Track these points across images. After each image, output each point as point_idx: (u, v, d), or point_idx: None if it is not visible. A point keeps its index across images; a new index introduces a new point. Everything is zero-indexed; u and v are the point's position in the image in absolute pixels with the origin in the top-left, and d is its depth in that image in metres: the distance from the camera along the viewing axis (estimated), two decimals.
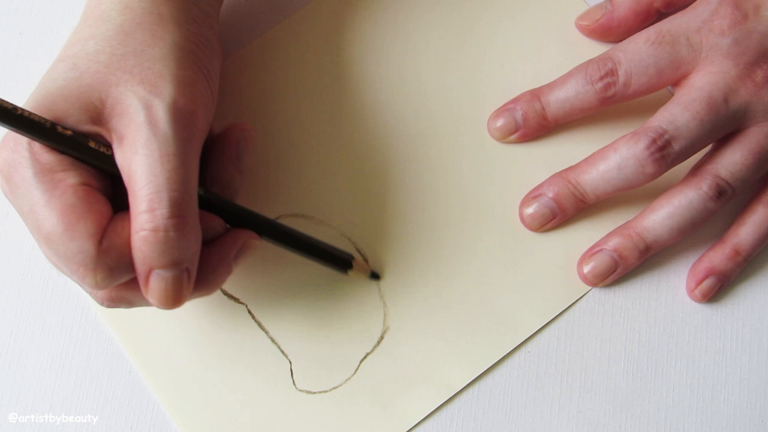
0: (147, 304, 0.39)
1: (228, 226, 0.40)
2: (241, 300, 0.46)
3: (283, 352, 0.45)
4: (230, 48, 0.48)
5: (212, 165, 0.41)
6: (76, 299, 0.46)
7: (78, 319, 0.46)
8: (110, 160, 0.37)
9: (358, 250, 0.46)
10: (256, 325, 0.45)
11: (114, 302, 0.39)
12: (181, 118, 0.37)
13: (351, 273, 0.45)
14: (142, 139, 0.36)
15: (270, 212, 0.46)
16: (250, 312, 0.46)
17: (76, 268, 0.36)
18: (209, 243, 0.39)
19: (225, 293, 0.46)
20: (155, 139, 0.36)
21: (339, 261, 0.44)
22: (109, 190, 0.38)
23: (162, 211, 0.36)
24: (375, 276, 0.46)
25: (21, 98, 0.48)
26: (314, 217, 0.47)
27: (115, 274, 0.37)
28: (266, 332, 0.45)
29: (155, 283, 0.37)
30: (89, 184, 0.37)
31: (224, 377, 0.45)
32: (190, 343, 0.45)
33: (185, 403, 0.44)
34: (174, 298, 0.37)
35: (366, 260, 0.46)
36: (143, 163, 0.36)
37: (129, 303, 0.39)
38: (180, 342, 0.45)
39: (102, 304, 0.39)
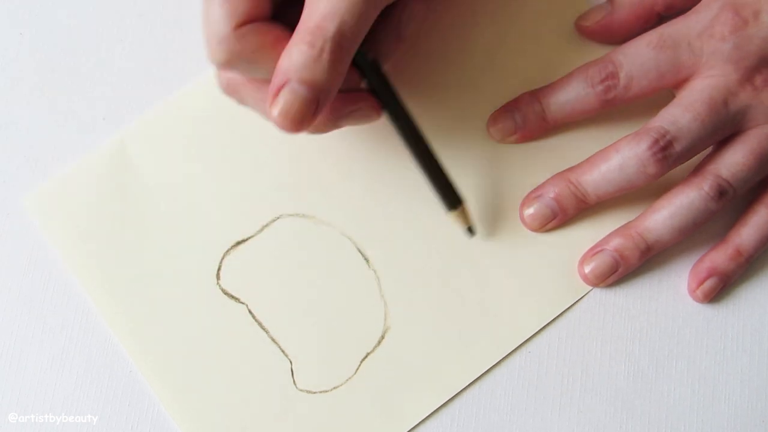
0: (256, 110, 0.39)
1: (364, 86, 0.40)
2: (241, 300, 0.46)
3: (283, 351, 0.45)
4: None
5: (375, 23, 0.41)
6: (76, 299, 0.46)
7: (78, 319, 0.46)
8: None
9: (359, 251, 0.46)
10: (256, 325, 0.45)
11: (230, 90, 0.40)
12: None
13: (454, 213, 0.44)
14: None
15: (270, 212, 0.46)
16: (250, 312, 0.46)
17: (205, 35, 0.37)
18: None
19: (225, 293, 0.46)
20: None
21: (450, 194, 0.44)
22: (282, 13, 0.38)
23: (330, 32, 0.36)
24: (471, 231, 0.45)
25: (21, 98, 0.48)
26: (315, 217, 0.47)
27: (235, 62, 0.37)
28: (266, 332, 0.45)
29: (286, 95, 0.36)
30: None
31: (224, 377, 0.45)
32: (190, 343, 0.45)
33: (185, 403, 0.44)
34: (295, 118, 0.37)
35: (367, 260, 0.46)
36: None
37: (241, 99, 0.40)
38: (180, 342, 0.45)
39: (219, 85, 0.40)
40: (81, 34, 0.49)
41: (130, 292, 0.45)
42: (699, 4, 0.44)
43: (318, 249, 0.46)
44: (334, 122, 0.40)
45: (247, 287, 0.46)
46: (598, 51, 0.47)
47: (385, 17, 0.41)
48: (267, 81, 0.38)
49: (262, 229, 0.46)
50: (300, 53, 0.36)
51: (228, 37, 0.36)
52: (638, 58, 0.44)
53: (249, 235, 0.46)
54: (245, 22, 0.36)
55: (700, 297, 0.46)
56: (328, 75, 0.36)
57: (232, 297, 0.46)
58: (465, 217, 0.45)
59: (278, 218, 0.47)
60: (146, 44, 0.49)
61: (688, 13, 0.44)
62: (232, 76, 0.39)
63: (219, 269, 0.46)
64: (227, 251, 0.46)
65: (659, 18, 0.47)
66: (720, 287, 0.46)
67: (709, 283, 0.46)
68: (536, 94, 0.46)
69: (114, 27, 0.49)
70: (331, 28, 0.36)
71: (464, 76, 0.48)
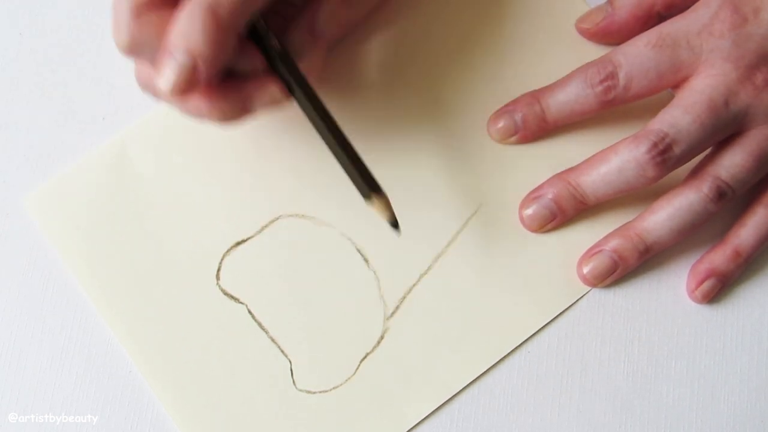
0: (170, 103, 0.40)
1: (268, 70, 0.40)
2: (241, 300, 0.46)
3: (283, 351, 0.45)
4: None
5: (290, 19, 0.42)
6: (76, 299, 0.46)
7: (78, 319, 0.46)
8: None
9: (359, 251, 0.46)
10: (256, 325, 0.45)
11: (143, 84, 0.41)
12: None
13: (373, 203, 0.41)
14: None
15: (270, 212, 0.46)
16: (250, 312, 0.46)
17: (111, 22, 0.38)
18: (245, 77, 0.40)
19: (225, 293, 0.46)
20: None
21: (367, 182, 0.41)
22: None
23: (206, 1, 0.36)
24: (395, 225, 0.42)
25: (21, 98, 0.48)
26: (314, 218, 0.47)
27: (138, 48, 0.38)
28: (266, 332, 0.45)
29: (167, 63, 0.37)
30: None
31: (224, 377, 0.45)
32: (190, 343, 0.45)
33: (185, 403, 0.44)
34: (175, 85, 0.37)
35: (367, 260, 0.46)
36: None
37: (155, 93, 0.41)
38: (180, 342, 0.45)
39: (137, 81, 0.41)
40: (81, 34, 0.49)
41: (130, 292, 0.46)
42: (698, 2, 0.44)
43: (318, 249, 0.46)
44: (241, 106, 0.40)
45: (247, 287, 0.46)
46: (598, 52, 0.47)
47: (301, 11, 0.42)
48: None
49: (262, 230, 0.46)
50: (178, 23, 0.37)
51: (129, 24, 0.37)
52: (637, 58, 0.44)
53: (249, 236, 0.46)
54: (148, 8, 0.37)
55: (699, 297, 0.46)
56: (205, 42, 0.37)
57: (232, 297, 0.46)
58: (383, 209, 0.42)
59: (278, 218, 0.47)
60: None
61: (687, 11, 0.44)
62: (146, 70, 0.40)
63: (219, 269, 0.46)
64: (227, 251, 0.46)
65: (659, 18, 0.47)
66: (719, 288, 0.46)
67: (708, 284, 0.46)
68: (536, 95, 0.46)
69: None
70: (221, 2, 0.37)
71: (464, 77, 0.48)
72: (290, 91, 0.40)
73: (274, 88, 0.40)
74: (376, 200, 0.41)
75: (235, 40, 0.38)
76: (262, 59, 0.40)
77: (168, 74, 0.37)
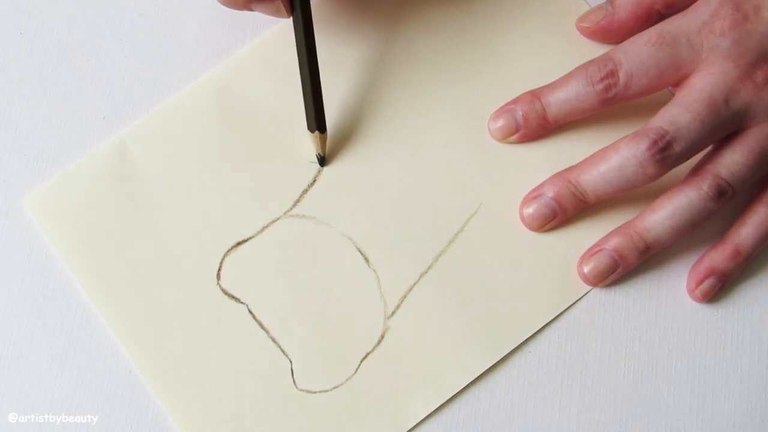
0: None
1: None
2: (242, 300, 0.46)
3: (283, 351, 0.45)
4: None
5: None
6: (76, 299, 0.46)
7: (78, 319, 0.46)
8: None
9: (359, 251, 0.46)
10: (256, 325, 0.45)
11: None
12: None
13: (313, 136, 0.46)
14: None
15: (270, 212, 0.46)
16: (250, 312, 0.45)
17: None
18: None
19: (225, 293, 0.46)
20: None
21: (318, 118, 0.46)
22: None
23: None
24: (321, 160, 0.47)
25: (19, 99, 0.48)
26: (315, 218, 0.47)
27: None
28: (267, 332, 0.45)
29: None
30: None
31: (224, 377, 0.45)
32: (190, 343, 0.45)
33: (185, 402, 0.44)
34: None
35: (367, 260, 0.46)
36: None
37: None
38: (180, 342, 0.45)
39: None
40: (81, 34, 0.49)
41: (130, 292, 0.45)
42: (698, 1, 0.44)
43: (318, 249, 0.46)
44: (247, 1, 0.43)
45: (248, 287, 0.46)
46: (598, 50, 0.47)
47: None
48: None
49: (262, 230, 0.46)
50: None
51: None
52: (638, 56, 0.44)
53: (249, 236, 0.46)
54: None
55: (699, 296, 0.46)
56: None
57: (233, 297, 0.46)
58: (320, 144, 0.46)
59: (278, 218, 0.47)
60: (146, 44, 0.49)
61: (687, 9, 0.44)
62: None
63: (219, 269, 0.46)
64: (228, 251, 0.46)
65: (659, 16, 0.47)
66: (719, 287, 0.46)
67: (708, 283, 0.46)
68: (536, 93, 0.46)
69: (114, 27, 0.49)
70: None
71: (464, 76, 0.48)
72: (294, 13, 0.45)
73: (279, 3, 0.43)
74: (316, 135, 0.46)
75: None
76: None
77: None
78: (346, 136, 0.48)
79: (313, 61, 0.45)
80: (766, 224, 0.45)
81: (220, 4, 0.44)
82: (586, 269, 0.46)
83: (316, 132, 0.46)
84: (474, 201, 0.47)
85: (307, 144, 0.47)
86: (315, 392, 0.45)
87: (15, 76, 0.48)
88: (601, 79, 0.44)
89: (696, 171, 0.44)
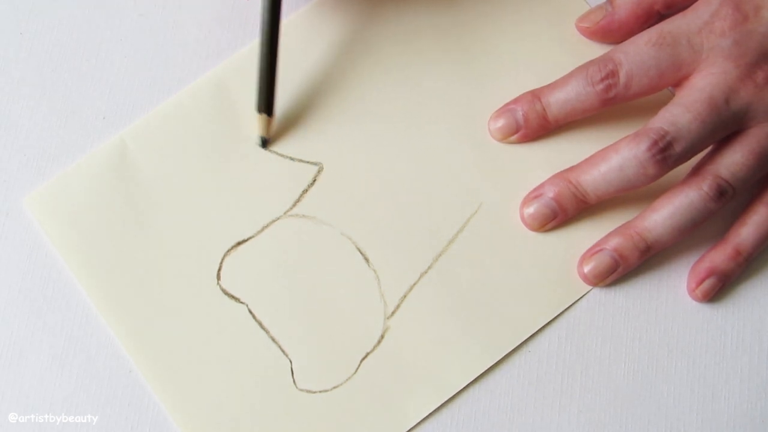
0: None
1: None
2: (242, 300, 0.46)
3: (283, 351, 0.45)
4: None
5: None
6: (76, 299, 0.46)
7: (78, 319, 0.46)
8: None
9: (359, 251, 0.46)
10: (256, 325, 0.45)
11: None
12: None
13: (260, 117, 0.46)
14: None
15: (270, 212, 0.46)
16: (250, 312, 0.45)
17: None
18: None
19: (226, 293, 0.46)
20: None
21: (268, 100, 0.46)
22: None
23: None
24: (264, 142, 0.47)
25: (19, 99, 0.48)
26: (315, 217, 0.47)
27: None
28: (267, 332, 0.45)
29: None
30: None
31: (224, 377, 0.45)
32: (190, 343, 0.45)
33: (185, 403, 0.44)
34: None
35: (367, 260, 0.46)
36: None
37: None
38: (180, 342, 0.45)
39: None
40: (81, 34, 0.49)
41: (130, 292, 0.45)
42: (699, 1, 0.44)
43: (318, 249, 0.46)
44: None
45: (248, 287, 0.46)
46: (598, 50, 0.47)
47: None
48: None
49: (262, 230, 0.46)
50: None
51: None
52: (638, 56, 0.44)
53: (249, 236, 0.46)
54: None
55: (699, 296, 0.46)
56: None
57: (233, 297, 0.46)
58: (266, 126, 0.47)
59: (278, 218, 0.47)
60: (146, 44, 0.49)
61: (687, 9, 0.44)
62: None
63: (219, 269, 0.46)
64: (228, 251, 0.46)
65: (659, 16, 0.47)
66: (719, 287, 0.46)
67: (708, 283, 0.46)
68: (537, 93, 0.46)
69: (114, 27, 0.49)
70: None
71: (464, 76, 0.48)
72: None
73: None
74: (263, 117, 0.46)
75: None
76: None
77: None
78: (347, 137, 0.48)
79: (273, 42, 0.45)
80: (766, 224, 0.45)
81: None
82: (586, 269, 0.46)
83: (264, 114, 0.46)
84: (474, 201, 0.47)
85: (252, 124, 0.47)
86: (315, 392, 0.45)
87: (15, 76, 0.48)
88: (602, 80, 0.44)
89: (696, 171, 0.44)
